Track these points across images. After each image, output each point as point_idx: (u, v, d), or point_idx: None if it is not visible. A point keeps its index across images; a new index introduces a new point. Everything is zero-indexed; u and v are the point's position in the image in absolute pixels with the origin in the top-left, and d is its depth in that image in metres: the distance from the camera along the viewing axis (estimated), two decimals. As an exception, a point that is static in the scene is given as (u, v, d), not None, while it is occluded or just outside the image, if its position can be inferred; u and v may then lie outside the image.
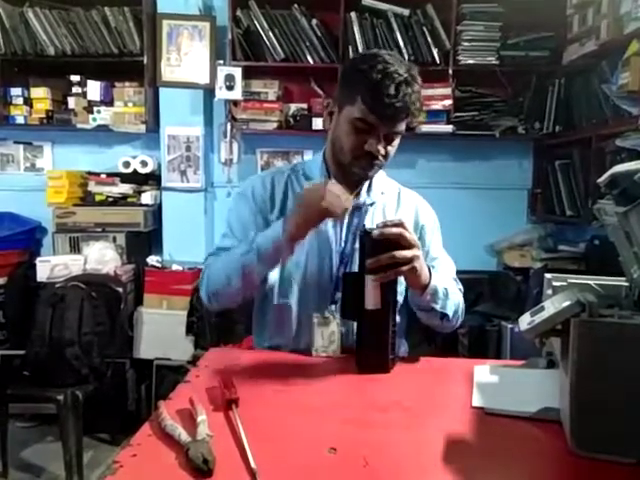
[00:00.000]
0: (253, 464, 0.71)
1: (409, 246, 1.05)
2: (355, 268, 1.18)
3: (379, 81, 1.10)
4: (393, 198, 1.36)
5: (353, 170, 1.22)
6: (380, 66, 1.11)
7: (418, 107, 1.17)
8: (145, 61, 2.80)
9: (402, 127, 1.19)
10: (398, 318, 1.31)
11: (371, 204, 1.29)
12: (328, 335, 1.20)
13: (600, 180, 0.85)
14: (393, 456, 0.77)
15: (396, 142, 1.21)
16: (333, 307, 1.23)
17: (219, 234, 1.36)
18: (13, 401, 2.31)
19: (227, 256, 1.21)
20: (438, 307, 1.17)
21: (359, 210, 1.28)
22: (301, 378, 1.05)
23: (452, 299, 1.20)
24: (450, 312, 1.20)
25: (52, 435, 2.58)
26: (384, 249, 1.04)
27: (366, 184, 1.30)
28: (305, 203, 1.10)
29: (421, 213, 1.36)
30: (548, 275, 1.06)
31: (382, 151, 1.18)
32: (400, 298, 1.27)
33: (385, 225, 1.06)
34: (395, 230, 1.05)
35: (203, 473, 0.69)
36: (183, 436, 0.76)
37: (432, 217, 1.38)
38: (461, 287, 1.32)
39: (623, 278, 0.93)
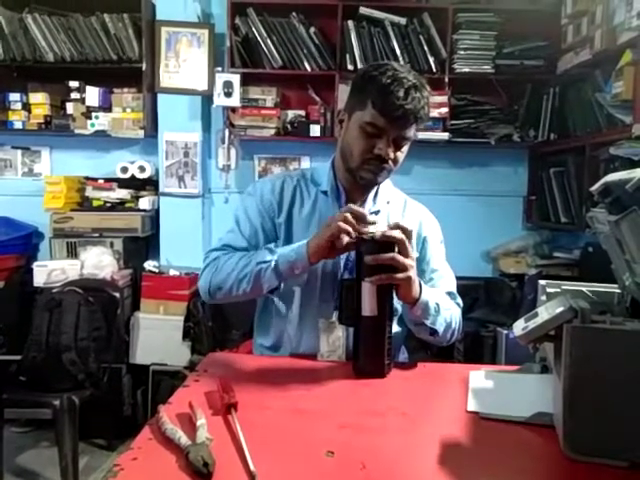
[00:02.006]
0: (252, 467, 0.72)
1: (407, 256, 1.06)
2: None
3: (389, 85, 1.14)
4: (398, 208, 1.36)
5: (362, 175, 1.22)
6: (390, 72, 1.15)
7: (426, 112, 1.19)
8: (144, 67, 2.82)
9: (411, 133, 1.20)
10: (398, 327, 1.32)
11: (376, 212, 1.29)
12: (333, 340, 1.20)
13: (593, 189, 0.86)
14: (389, 460, 0.78)
15: (405, 148, 1.23)
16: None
17: (217, 240, 1.35)
18: (9, 406, 2.30)
19: (244, 259, 1.20)
20: (428, 322, 1.18)
21: None
22: (299, 383, 1.06)
23: (444, 315, 1.20)
24: (440, 328, 1.20)
25: (48, 440, 2.57)
26: (383, 252, 1.05)
27: (372, 192, 1.31)
28: (324, 227, 1.11)
29: (425, 225, 1.36)
30: (542, 282, 1.08)
31: (391, 155, 1.19)
32: (399, 307, 1.28)
33: (397, 226, 1.07)
34: (398, 235, 1.06)
35: (203, 476, 0.70)
36: (183, 440, 0.77)
37: (436, 230, 1.38)
38: (460, 301, 1.31)
39: (615, 285, 0.95)
